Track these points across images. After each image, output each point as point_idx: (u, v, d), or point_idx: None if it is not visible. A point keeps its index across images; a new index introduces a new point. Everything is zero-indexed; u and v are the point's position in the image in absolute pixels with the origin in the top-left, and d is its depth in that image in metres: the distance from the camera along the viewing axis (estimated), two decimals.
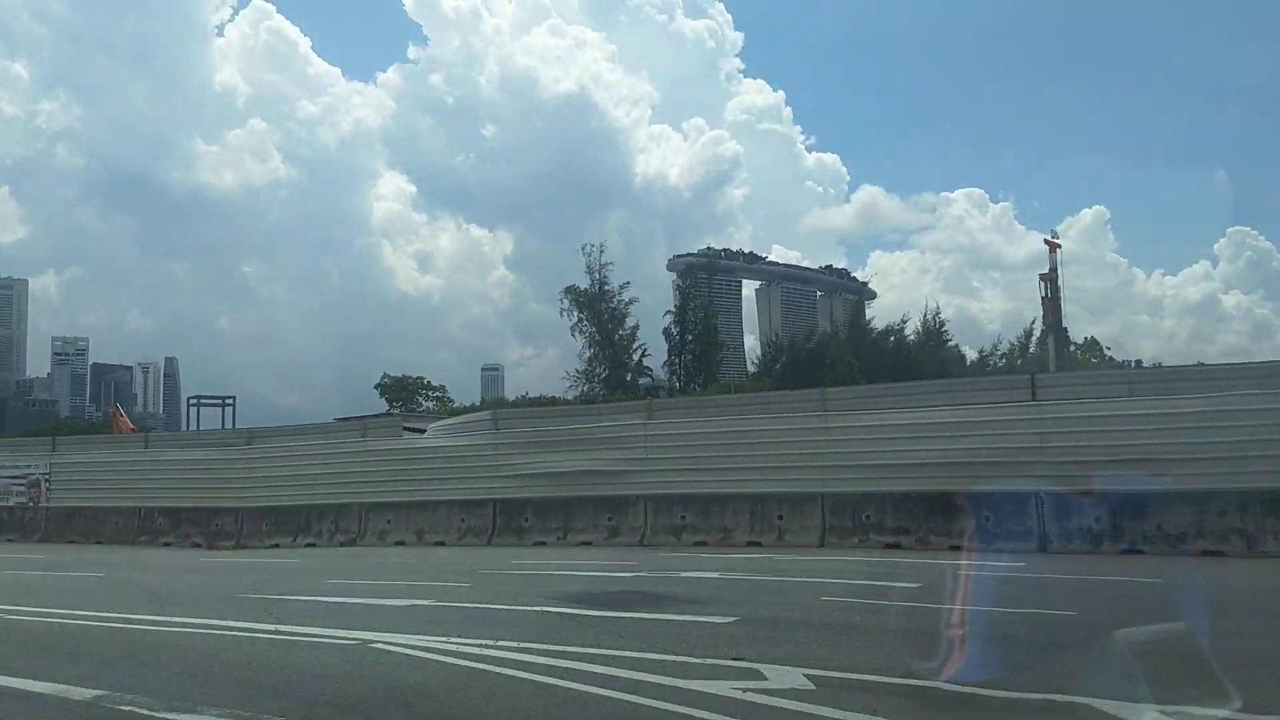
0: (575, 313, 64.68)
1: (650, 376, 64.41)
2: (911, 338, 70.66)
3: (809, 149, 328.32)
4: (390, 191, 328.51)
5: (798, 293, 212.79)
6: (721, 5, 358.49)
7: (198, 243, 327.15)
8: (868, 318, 79.57)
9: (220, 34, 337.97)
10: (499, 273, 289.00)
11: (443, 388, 75.64)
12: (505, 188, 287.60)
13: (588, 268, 64.72)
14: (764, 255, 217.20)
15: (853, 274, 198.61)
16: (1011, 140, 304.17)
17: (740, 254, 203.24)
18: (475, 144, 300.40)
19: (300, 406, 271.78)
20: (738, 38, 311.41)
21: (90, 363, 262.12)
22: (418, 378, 75.70)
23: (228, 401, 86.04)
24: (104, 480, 23.89)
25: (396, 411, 60.42)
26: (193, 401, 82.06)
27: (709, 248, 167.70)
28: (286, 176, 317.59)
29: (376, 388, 75.76)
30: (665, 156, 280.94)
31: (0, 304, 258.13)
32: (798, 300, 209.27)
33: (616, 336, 64.20)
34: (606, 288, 64.84)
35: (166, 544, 22.15)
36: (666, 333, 68.04)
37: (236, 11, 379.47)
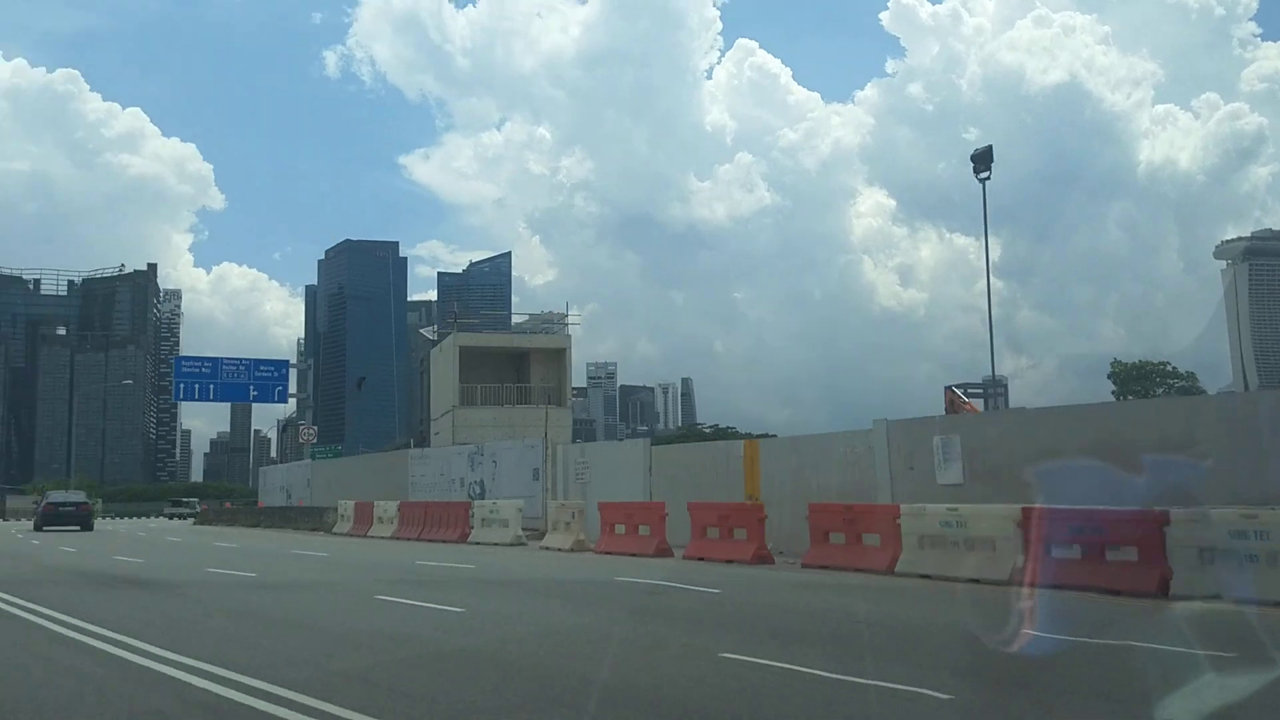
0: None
1: None
2: None
3: None
4: (870, 208, 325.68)
5: None
6: None
7: (694, 272, 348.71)
8: None
9: (709, 76, 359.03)
10: (985, 281, 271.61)
11: (1191, 375, 65.15)
12: (990, 191, 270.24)
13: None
14: None
15: None
16: None
17: None
18: (957, 149, 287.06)
19: (791, 422, 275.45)
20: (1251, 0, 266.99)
21: (618, 385, 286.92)
22: (1160, 363, 65.94)
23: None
24: None
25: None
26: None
27: (1268, 229, 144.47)
28: (771, 203, 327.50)
29: (1109, 376, 67.30)
30: (1173, 139, 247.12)
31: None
32: None
33: None
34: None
35: None
36: None
37: (723, 53, 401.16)
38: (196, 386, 44.61)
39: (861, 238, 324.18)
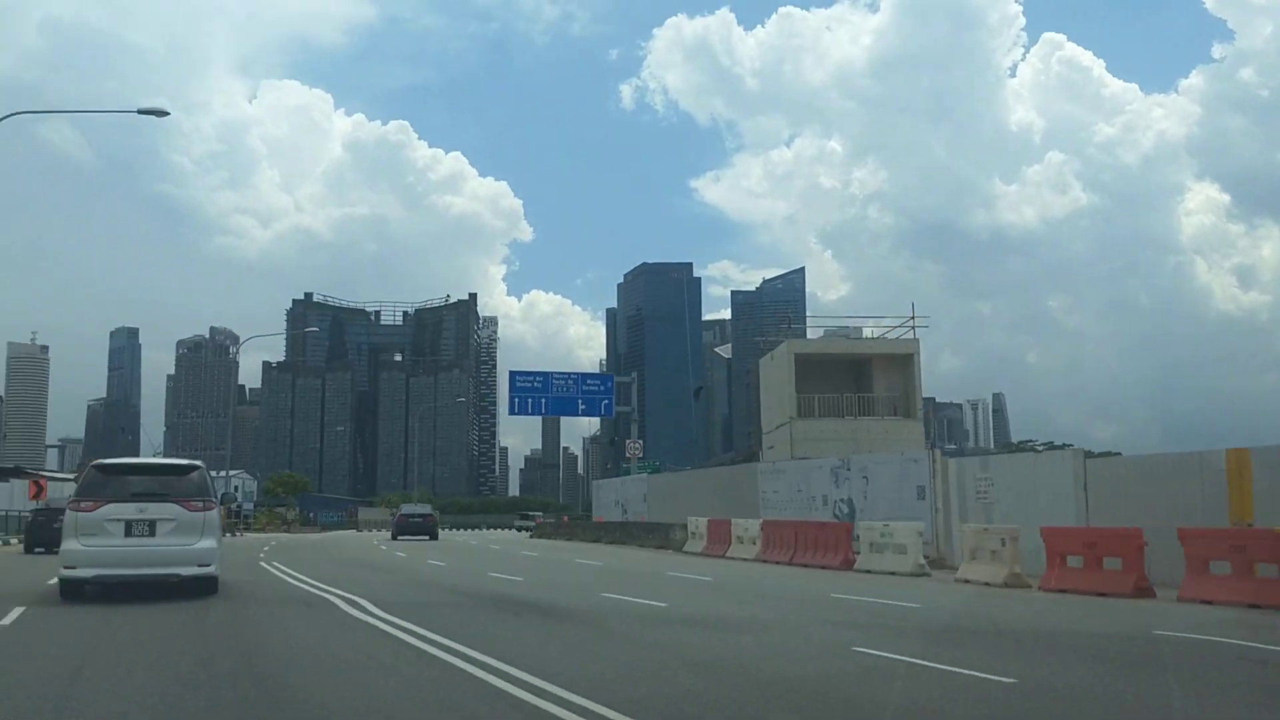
0: None
1: None
2: None
3: None
4: (1200, 204, 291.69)
5: None
6: None
7: (1001, 281, 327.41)
8: None
9: (1012, 74, 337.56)
10: None
11: None
12: None
13: None
14: None
15: None
16: None
17: None
18: None
19: (1118, 440, 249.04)
20: None
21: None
22: None
23: None
24: None
25: None
26: None
27: None
28: (1087, 204, 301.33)
29: None
30: None
31: None
32: None
33: None
34: None
35: None
36: None
37: (1027, 49, 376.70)
38: (530, 400, 45.08)
39: (1192, 237, 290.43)
